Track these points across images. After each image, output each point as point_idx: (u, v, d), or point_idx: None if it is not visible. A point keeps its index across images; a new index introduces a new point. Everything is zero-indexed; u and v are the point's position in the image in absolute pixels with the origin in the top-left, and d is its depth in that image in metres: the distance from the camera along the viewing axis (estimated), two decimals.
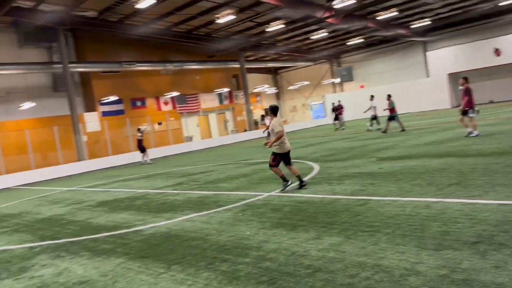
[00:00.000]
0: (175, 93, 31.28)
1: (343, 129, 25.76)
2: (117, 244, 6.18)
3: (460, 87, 12.77)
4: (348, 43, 36.67)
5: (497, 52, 30.95)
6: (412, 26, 31.93)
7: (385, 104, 18.14)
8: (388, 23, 30.49)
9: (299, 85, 43.13)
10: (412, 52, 37.11)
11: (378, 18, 27.91)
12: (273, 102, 44.58)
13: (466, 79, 12.67)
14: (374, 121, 20.72)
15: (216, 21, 25.01)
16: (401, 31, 32.24)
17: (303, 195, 7.66)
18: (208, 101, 34.97)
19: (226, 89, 35.90)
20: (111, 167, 23.39)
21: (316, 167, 10.91)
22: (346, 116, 32.86)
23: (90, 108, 28.13)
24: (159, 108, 31.60)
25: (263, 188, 9.04)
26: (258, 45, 33.02)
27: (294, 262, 4.30)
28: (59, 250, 6.30)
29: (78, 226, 7.97)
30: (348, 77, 40.68)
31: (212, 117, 35.38)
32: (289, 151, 8.24)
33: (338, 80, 41.41)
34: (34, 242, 7.14)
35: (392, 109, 17.92)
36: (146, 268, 4.85)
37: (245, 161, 15.45)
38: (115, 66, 27.24)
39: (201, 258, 4.91)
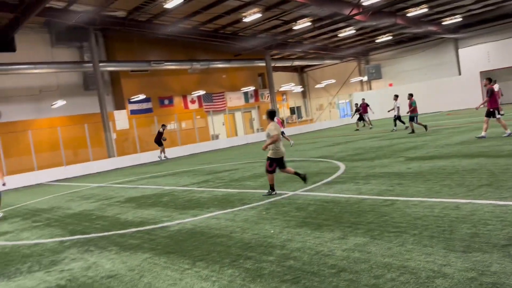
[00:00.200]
0: (201, 92, 31.59)
1: (370, 128, 25.36)
2: (144, 239, 6.30)
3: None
4: (376, 41, 36.07)
5: None
6: (443, 23, 31.12)
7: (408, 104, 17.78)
8: (418, 20, 29.81)
9: (325, 83, 42.74)
10: (443, 50, 36.17)
11: (407, 15, 27.33)
12: (299, 101, 44.44)
13: (490, 80, 12.58)
14: (401, 122, 20.30)
15: (243, 20, 25.08)
16: (431, 28, 31.45)
17: (328, 194, 7.61)
18: (234, 99, 35.16)
19: (252, 88, 35.98)
20: (139, 164, 23.86)
21: (342, 167, 10.80)
22: (374, 115, 32.38)
23: (120, 106, 28.77)
24: (186, 107, 31.99)
25: (287, 186, 9.02)
26: (284, 43, 32.91)
27: (318, 262, 4.28)
28: (88, 245, 6.48)
29: (106, 222, 8.17)
30: (376, 75, 39.99)
31: (238, 116, 35.53)
32: (283, 157, 8.37)
33: (365, 78, 40.81)
34: (65, 237, 7.37)
35: (413, 109, 17.55)
36: (172, 264, 4.93)
37: None
38: (144, 65, 27.74)
39: (226, 255, 4.95)
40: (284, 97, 42.21)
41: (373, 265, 3.98)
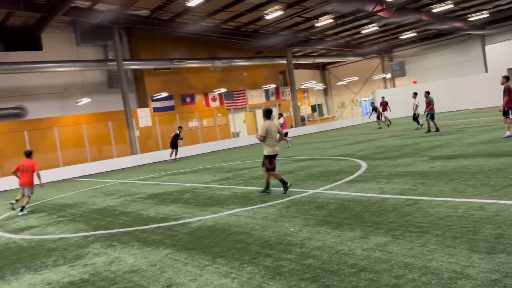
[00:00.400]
0: (223, 90, 31.75)
1: (387, 125, 24.99)
2: (166, 235, 6.39)
3: None
4: (400, 37, 35.45)
5: None
6: (469, 19, 30.33)
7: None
8: (443, 16, 29.14)
9: (347, 81, 42.29)
10: (469, 46, 35.30)
11: (432, 11, 26.76)
12: (321, 98, 44.13)
13: (507, 78, 12.16)
14: (416, 121, 19.97)
15: (264, 17, 25.06)
16: (457, 24, 30.70)
17: (349, 193, 7.54)
18: (255, 97, 35.20)
19: (273, 85, 35.93)
20: (161, 161, 24.16)
21: (364, 165, 10.68)
22: (397, 113, 31.91)
23: (143, 104, 29.19)
24: (207, 104, 32.22)
25: (308, 185, 8.99)
26: (306, 40, 32.71)
27: (338, 261, 4.25)
28: (111, 240, 6.61)
29: (129, 217, 8.32)
30: (400, 72, 39.29)
31: (259, 113, 35.53)
32: (276, 154, 8.53)
33: (389, 75, 40.18)
34: (88, 231, 7.54)
35: (431, 107, 17.17)
36: (192, 260, 4.99)
37: (291, 158, 15.41)
38: (166, 63, 28.05)
39: (245, 252, 4.98)
40: (306, 94, 42.00)
41: (394, 265, 3.93)
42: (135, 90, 29.65)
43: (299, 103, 36.03)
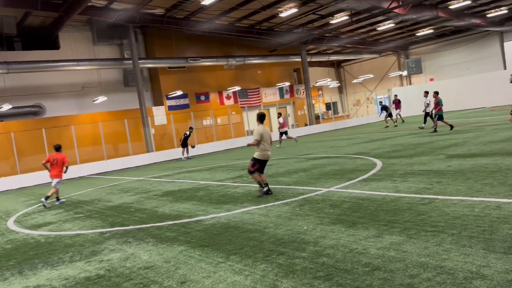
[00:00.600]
0: (237, 88, 31.79)
1: (395, 125, 24.73)
2: (180, 232, 6.45)
3: None
4: (417, 34, 34.97)
5: None
6: (488, 15, 29.75)
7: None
8: (461, 12, 28.63)
9: (363, 78, 41.91)
10: (488, 43, 34.60)
11: (450, 7, 26.33)
12: (336, 96, 43.83)
13: None
14: (424, 120, 19.70)
15: (279, 15, 25.00)
16: (475, 21, 30.12)
17: (364, 192, 7.49)
18: (269, 95, 35.16)
19: (287, 83, 35.81)
20: (176, 159, 24.34)
21: (379, 164, 10.60)
22: (414, 110, 31.48)
23: (158, 102, 29.44)
24: (222, 102, 32.31)
25: (322, 183, 8.96)
26: (321, 37, 32.50)
27: (352, 259, 4.24)
28: (127, 236, 6.70)
29: (144, 214, 8.41)
30: (416, 69, 38.76)
31: (273, 112, 35.47)
32: (267, 160, 8.55)
33: (405, 72, 39.68)
34: (105, 228, 7.65)
35: (440, 108, 16.95)
36: (206, 257, 5.03)
37: (305, 156, 15.37)
38: (181, 62, 28.21)
39: (259, 250, 4.99)
40: (320, 92, 41.76)
41: (409, 264, 3.90)
42: (151, 89, 29.91)
43: (313, 101, 35.84)
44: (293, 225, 5.86)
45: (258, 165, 8.45)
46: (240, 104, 32.93)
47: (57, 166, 11.49)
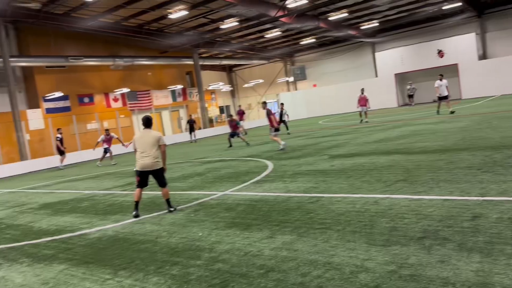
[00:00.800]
0: (125, 90, 30.30)
1: (244, 134, 23.00)
2: (60, 249, 5.84)
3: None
4: (301, 43, 37.19)
5: (441, 53, 32.54)
6: (361, 27, 32.89)
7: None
8: (339, 24, 31.20)
9: (253, 83, 43.23)
10: (362, 53, 38.22)
11: (329, 18, 28.49)
12: (228, 100, 44.43)
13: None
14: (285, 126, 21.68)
15: (168, 16, 24.50)
16: (351, 32, 33.10)
17: (257, 193, 7.62)
18: (160, 98, 34.22)
19: (179, 86, 35.30)
20: (56, 167, 22.27)
21: (270, 165, 10.93)
22: (300, 114, 33.23)
23: (33, 104, 26.66)
24: (108, 105, 30.53)
25: (217, 187, 8.92)
26: (212, 42, 32.71)
27: (247, 263, 4.23)
28: None
29: (18, 231, 7.48)
30: (301, 76, 41.31)
31: (165, 115, 34.64)
32: (146, 171, 7.17)
33: (291, 78, 41.92)
34: None
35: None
36: (91, 275, 4.60)
37: (199, 160, 15.24)
38: (61, 61, 25.99)
39: (151, 262, 4.73)
40: (213, 96, 41.95)
41: (300, 263, 4.02)
42: (25, 90, 26.96)
43: (206, 104, 35.85)
44: (188, 232, 5.70)
45: (139, 178, 7.27)
46: (129, 106, 31.48)
47: None
